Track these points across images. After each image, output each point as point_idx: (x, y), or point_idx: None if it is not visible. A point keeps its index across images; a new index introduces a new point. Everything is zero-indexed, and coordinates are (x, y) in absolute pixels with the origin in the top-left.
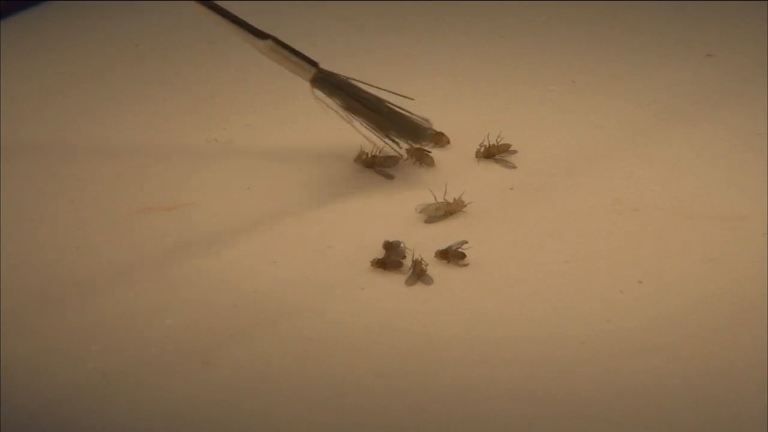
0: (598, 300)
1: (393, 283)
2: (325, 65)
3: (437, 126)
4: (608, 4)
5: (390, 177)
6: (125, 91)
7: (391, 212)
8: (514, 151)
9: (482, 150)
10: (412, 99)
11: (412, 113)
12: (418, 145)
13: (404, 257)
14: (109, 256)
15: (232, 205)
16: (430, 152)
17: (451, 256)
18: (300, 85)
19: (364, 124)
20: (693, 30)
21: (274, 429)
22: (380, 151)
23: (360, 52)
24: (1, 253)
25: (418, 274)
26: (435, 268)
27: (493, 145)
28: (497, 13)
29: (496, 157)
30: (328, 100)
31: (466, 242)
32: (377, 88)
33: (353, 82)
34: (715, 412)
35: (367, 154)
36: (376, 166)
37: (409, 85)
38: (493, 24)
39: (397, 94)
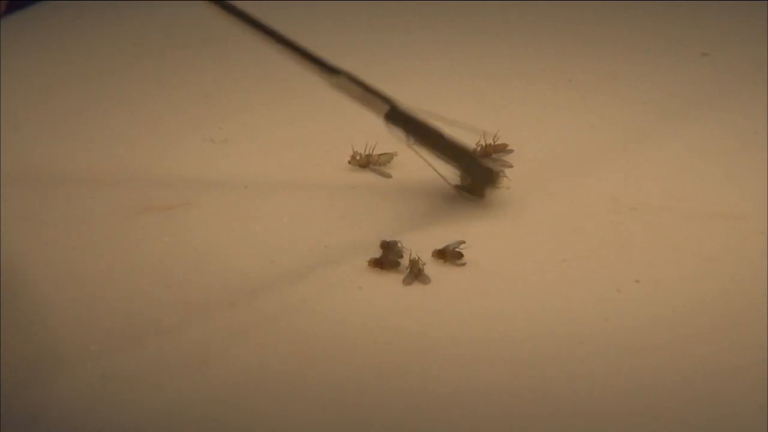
0: (596, 299)
1: (390, 282)
2: None
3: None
4: (604, 3)
5: (387, 176)
6: (122, 90)
7: (389, 211)
8: (511, 150)
9: (479, 149)
10: (484, 131)
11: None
12: (483, 188)
13: (401, 257)
14: (107, 255)
15: (229, 205)
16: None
17: (449, 255)
18: (297, 85)
19: (438, 158)
20: (689, 29)
21: (272, 428)
22: (373, 149)
23: (356, 52)
24: (1, 253)
25: (416, 273)
26: (432, 268)
27: (490, 144)
28: (493, 13)
29: (493, 156)
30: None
31: (464, 242)
32: (452, 122)
33: (425, 118)
34: (713, 411)
35: (360, 154)
36: (371, 165)
37: (406, 85)
38: (489, 23)
39: (468, 127)
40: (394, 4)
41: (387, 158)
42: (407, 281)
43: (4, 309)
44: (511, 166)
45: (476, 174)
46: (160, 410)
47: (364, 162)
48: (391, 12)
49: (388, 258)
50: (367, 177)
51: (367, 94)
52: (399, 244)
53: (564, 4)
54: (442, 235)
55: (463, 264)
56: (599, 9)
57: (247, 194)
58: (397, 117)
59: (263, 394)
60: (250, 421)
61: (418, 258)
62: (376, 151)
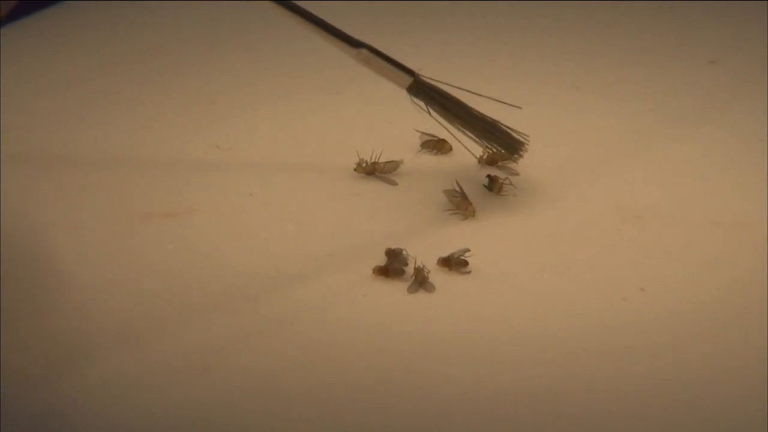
0: (601, 307)
1: (395, 290)
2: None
3: (436, 132)
4: (612, 8)
5: (393, 183)
6: (127, 96)
7: (394, 219)
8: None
9: (485, 157)
10: (519, 108)
11: (508, 127)
12: (512, 158)
13: (406, 265)
14: (110, 262)
15: (234, 212)
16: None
17: (454, 263)
18: (303, 92)
19: (462, 131)
20: (697, 36)
21: None
22: (379, 157)
23: None
24: (2, 258)
25: (420, 281)
26: (437, 276)
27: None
28: (499, 17)
29: (499, 164)
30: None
31: (469, 250)
32: (479, 95)
33: (450, 90)
34: (716, 418)
35: (366, 161)
36: (377, 172)
37: None
38: (495, 28)
39: (501, 102)
40: (396, 5)
41: (393, 166)
42: (412, 289)
43: (6, 313)
44: (518, 174)
45: (503, 144)
46: (163, 415)
47: (370, 169)
48: (394, 15)
49: (393, 266)
50: (373, 184)
51: (390, 66)
52: (404, 252)
53: (572, 9)
54: (447, 243)
55: (468, 272)
56: (607, 14)
57: (252, 201)
58: (421, 89)
59: (265, 400)
60: (252, 425)
61: (423, 266)
62: (383, 159)
